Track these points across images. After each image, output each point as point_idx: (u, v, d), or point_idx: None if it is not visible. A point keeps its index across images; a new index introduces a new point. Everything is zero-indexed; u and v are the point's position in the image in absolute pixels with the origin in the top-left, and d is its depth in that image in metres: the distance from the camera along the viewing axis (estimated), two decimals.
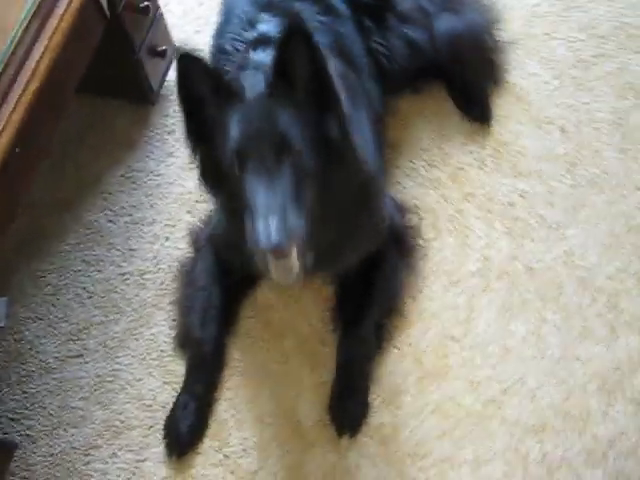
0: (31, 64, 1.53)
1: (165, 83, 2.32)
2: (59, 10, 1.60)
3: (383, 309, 1.94)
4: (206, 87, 1.47)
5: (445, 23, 2.15)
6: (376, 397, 1.87)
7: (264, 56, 1.66)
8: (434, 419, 1.85)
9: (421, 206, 2.11)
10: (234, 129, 1.45)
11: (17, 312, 2.06)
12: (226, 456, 1.84)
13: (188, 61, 1.44)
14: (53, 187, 2.20)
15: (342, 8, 1.95)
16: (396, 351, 1.93)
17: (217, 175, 1.53)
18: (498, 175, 2.15)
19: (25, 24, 1.54)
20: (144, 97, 2.28)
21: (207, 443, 1.86)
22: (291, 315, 2.00)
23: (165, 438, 1.87)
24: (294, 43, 1.41)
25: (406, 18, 2.13)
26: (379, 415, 1.86)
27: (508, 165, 2.16)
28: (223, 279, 1.98)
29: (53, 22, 1.58)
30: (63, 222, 2.18)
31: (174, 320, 2.00)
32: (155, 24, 2.13)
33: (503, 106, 2.24)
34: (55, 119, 1.78)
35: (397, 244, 2.00)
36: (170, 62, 2.27)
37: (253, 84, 1.51)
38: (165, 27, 2.22)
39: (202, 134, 1.51)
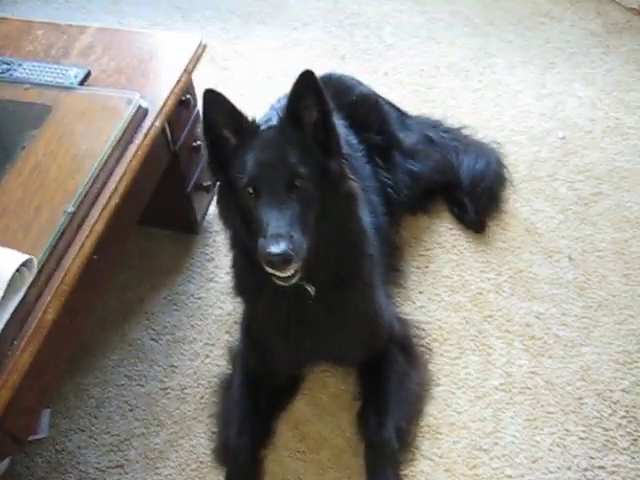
0: (113, 184, 1.75)
1: (207, 216, 2.56)
2: (137, 141, 1.86)
3: (401, 415, 2.03)
4: (227, 122, 1.67)
5: (467, 162, 2.51)
6: None
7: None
8: None
9: (444, 327, 2.27)
10: (250, 159, 1.65)
11: (60, 423, 2.14)
12: None
13: (213, 97, 1.64)
14: (100, 308, 2.34)
15: (355, 142, 2.25)
16: (428, 462, 2.00)
17: (232, 199, 1.71)
18: (514, 299, 2.33)
19: (109, 151, 1.78)
20: (189, 228, 2.50)
21: None
22: (326, 428, 2.08)
23: None
24: (305, 91, 1.66)
25: (410, 153, 2.47)
26: None
27: (523, 290, 2.35)
28: (258, 394, 2.08)
29: (132, 150, 1.83)
30: (107, 339, 2.31)
31: (213, 433, 2.08)
32: (203, 161, 2.39)
33: (516, 238, 2.48)
34: (126, 235, 2.00)
35: (403, 353, 2.13)
36: (212, 196, 2.51)
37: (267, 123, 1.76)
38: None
39: (222, 163, 1.71)
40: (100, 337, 2.32)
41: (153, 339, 2.31)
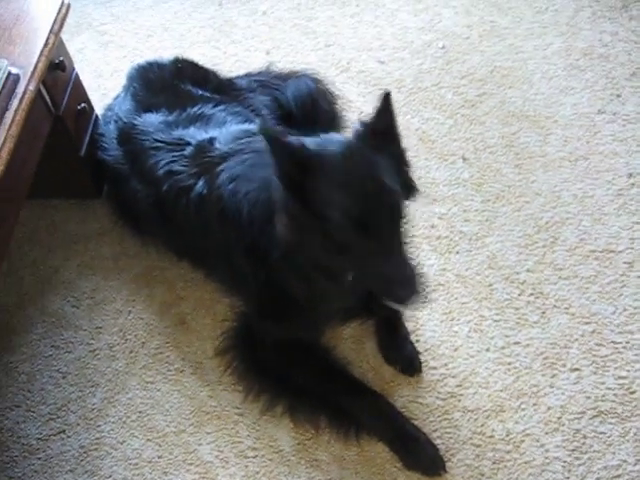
0: None
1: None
2: (12, 107, 1.84)
3: None
4: (292, 162, 1.54)
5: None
6: None
7: None
8: None
9: None
10: (340, 191, 1.51)
11: None
12: None
13: (274, 143, 1.53)
14: (15, 286, 2.34)
15: None
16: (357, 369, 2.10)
17: (314, 229, 1.57)
18: (416, 205, 2.37)
19: None
20: (91, 192, 2.50)
21: None
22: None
23: None
24: (387, 110, 1.62)
25: None
26: None
27: (423, 195, 2.43)
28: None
29: (9, 117, 1.81)
30: (29, 315, 2.30)
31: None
32: (92, 124, 2.38)
33: (410, 148, 2.51)
34: (16, 208, 1.98)
35: None
36: None
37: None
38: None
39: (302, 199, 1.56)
40: (20, 315, 2.31)
41: (74, 306, 2.32)
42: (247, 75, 2.66)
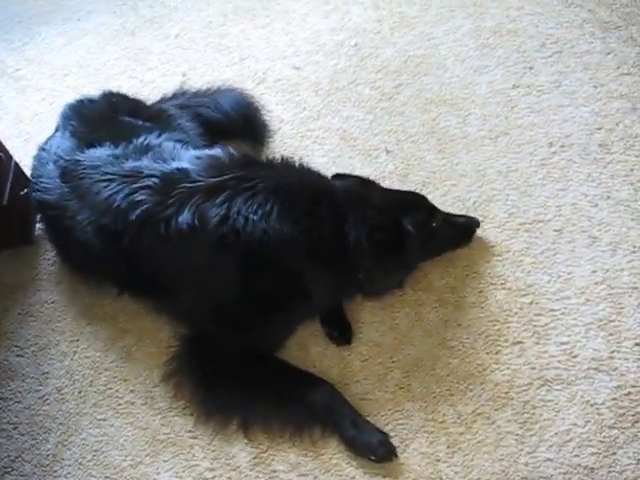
0: None
1: (37, 223, 2.53)
2: None
3: None
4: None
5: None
6: None
7: None
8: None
9: None
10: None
11: None
12: None
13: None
14: None
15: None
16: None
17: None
18: None
19: None
20: (22, 240, 2.49)
21: None
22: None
23: None
24: None
25: None
26: None
27: None
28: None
29: None
30: None
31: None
32: (12, 171, 2.37)
33: (334, 149, 2.58)
34: None
35: None
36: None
37: None
38: (23, 172, 2.46)
39: None
40: None
41: (18, 355, 2.30)
42: (162, 100, 2.66)
